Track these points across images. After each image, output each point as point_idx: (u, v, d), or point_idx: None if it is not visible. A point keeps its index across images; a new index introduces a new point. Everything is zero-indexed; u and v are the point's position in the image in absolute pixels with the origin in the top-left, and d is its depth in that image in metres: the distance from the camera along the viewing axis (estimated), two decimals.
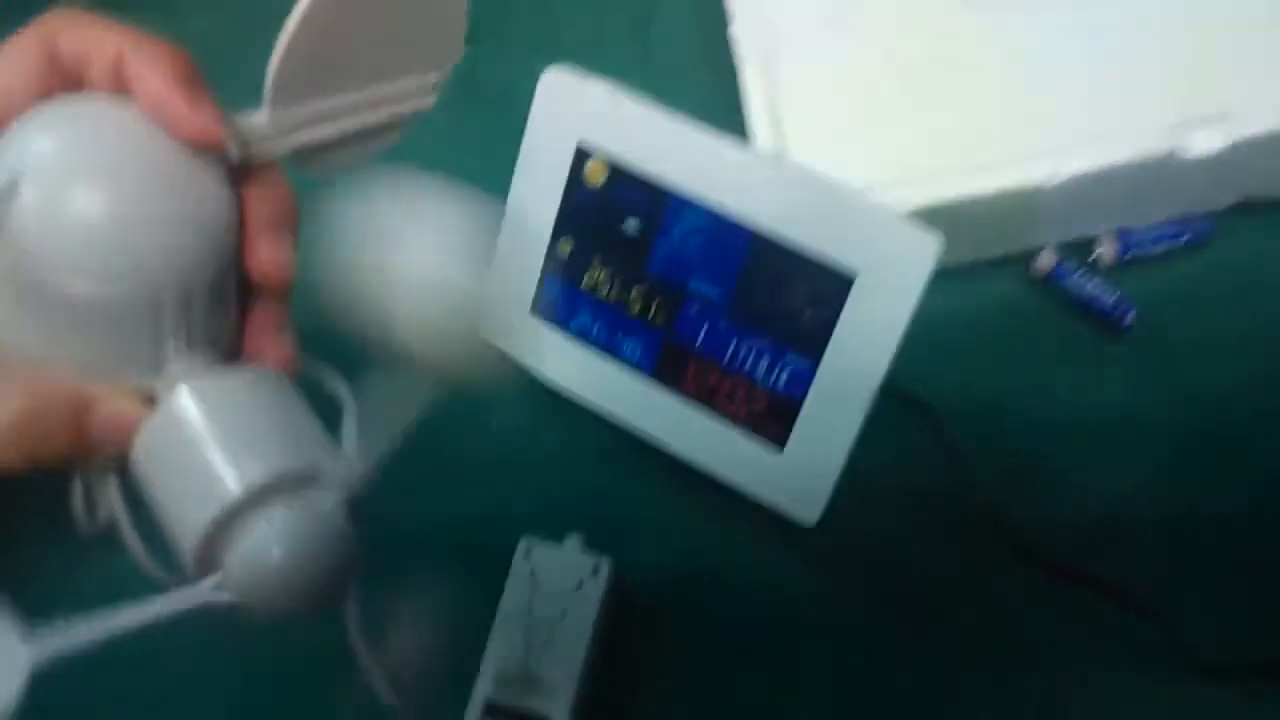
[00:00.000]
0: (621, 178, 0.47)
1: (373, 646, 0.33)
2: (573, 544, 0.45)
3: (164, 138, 0.31)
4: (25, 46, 0.31)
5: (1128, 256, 0.52)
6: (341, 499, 0.30)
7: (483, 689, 0.43)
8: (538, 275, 0.50)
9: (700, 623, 0.48)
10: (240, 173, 0.33)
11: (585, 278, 0.49)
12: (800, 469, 0.45)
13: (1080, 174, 0.49)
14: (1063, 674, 0.45)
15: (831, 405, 0.44)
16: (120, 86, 0.31)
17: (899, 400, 0.48)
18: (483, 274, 0.31)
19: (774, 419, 0.46)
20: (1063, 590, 0.46)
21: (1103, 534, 0.47)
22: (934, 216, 0.42)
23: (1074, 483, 0.48)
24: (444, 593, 0.37)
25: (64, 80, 0.32)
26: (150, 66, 0.31)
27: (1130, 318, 0.51)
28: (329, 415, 0.32)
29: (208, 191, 0.31)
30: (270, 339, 0.34)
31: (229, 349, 0.33)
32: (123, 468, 0.32)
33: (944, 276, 0.41)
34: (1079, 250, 0.53)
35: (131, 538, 0.31)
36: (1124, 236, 0.53)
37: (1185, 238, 0.52)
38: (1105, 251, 0.52)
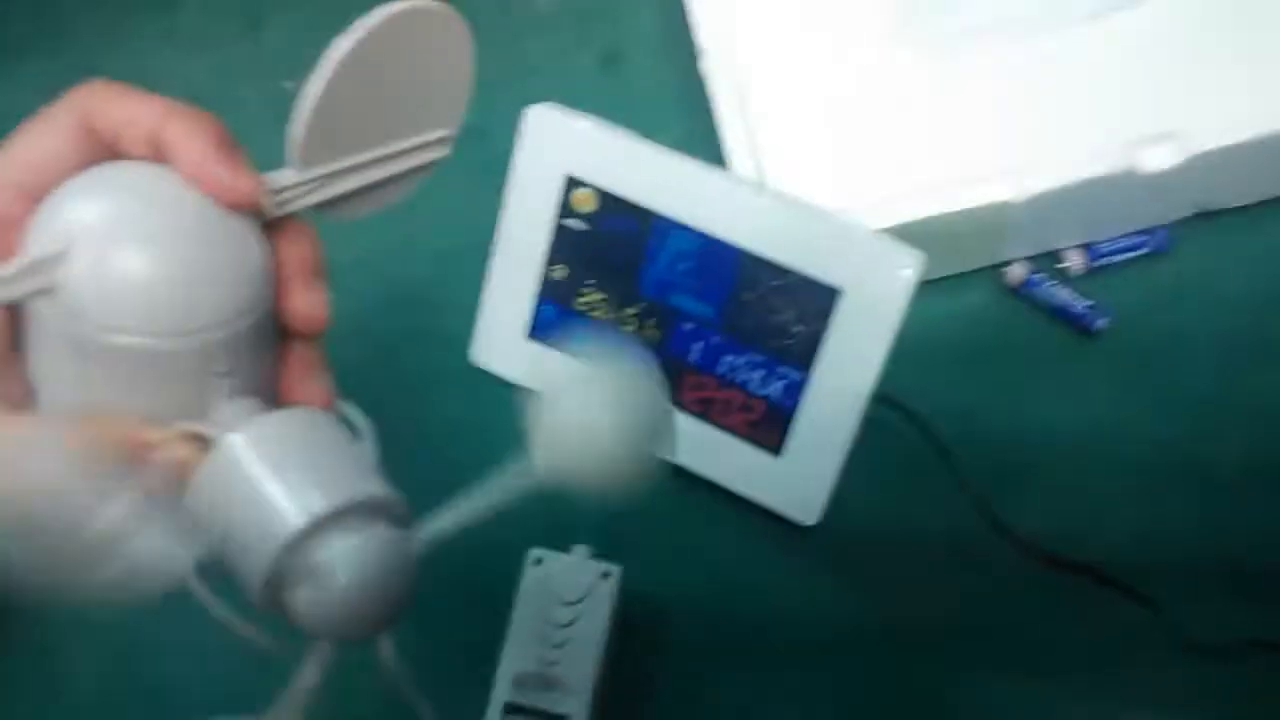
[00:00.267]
0: (610, 204, 0.49)
1: (396, 650, 0.34)
2: (580, 552, 0.46)
3: (203, 199, 0.32)
4: (61, 118, 0.33)
5: (1095, 265, 0.55)
6: (399, 527, 0.32)
7: (501, 691, 0.44)
8: (532, 299, 0.52)
9: (705, 622, 0.49)
10: (271, 226, 0.34)
11: (579, 300, 0.51)
12: (798, 473, 0.47)
13: (1045, 190, 0.52)
14: (1056, 659, 0.46)
15: (825, 413, 0.46)
16: (157, 154, 0.33)
17: (890, 405, 0.50)
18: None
19: (770, 427, 0.47)
20: (1055, 580, 0.47)
21: (1084, 527, 0.49)
22: (908, 234, 0.44)
23: (1054, 479, 0.50)
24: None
25: (101, 150, 0.33)
26: (189, 135, 0.32)
27: (1101, 323, 0.53)
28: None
29: (247, 246, 0.33)
30: (309, 380, 0.35)
31: (270, 392, 0.34)
32: None
33: (922, 288, 0.44)
34: (1048, 261, 0.56)
35: (192, 577, 0.32)
36: (1090, 248, 0.55)
37: (1146, 248, 0.55)
38: (1074, 262, 0.55)
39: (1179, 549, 0.48)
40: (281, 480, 0.30)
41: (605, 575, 0.46)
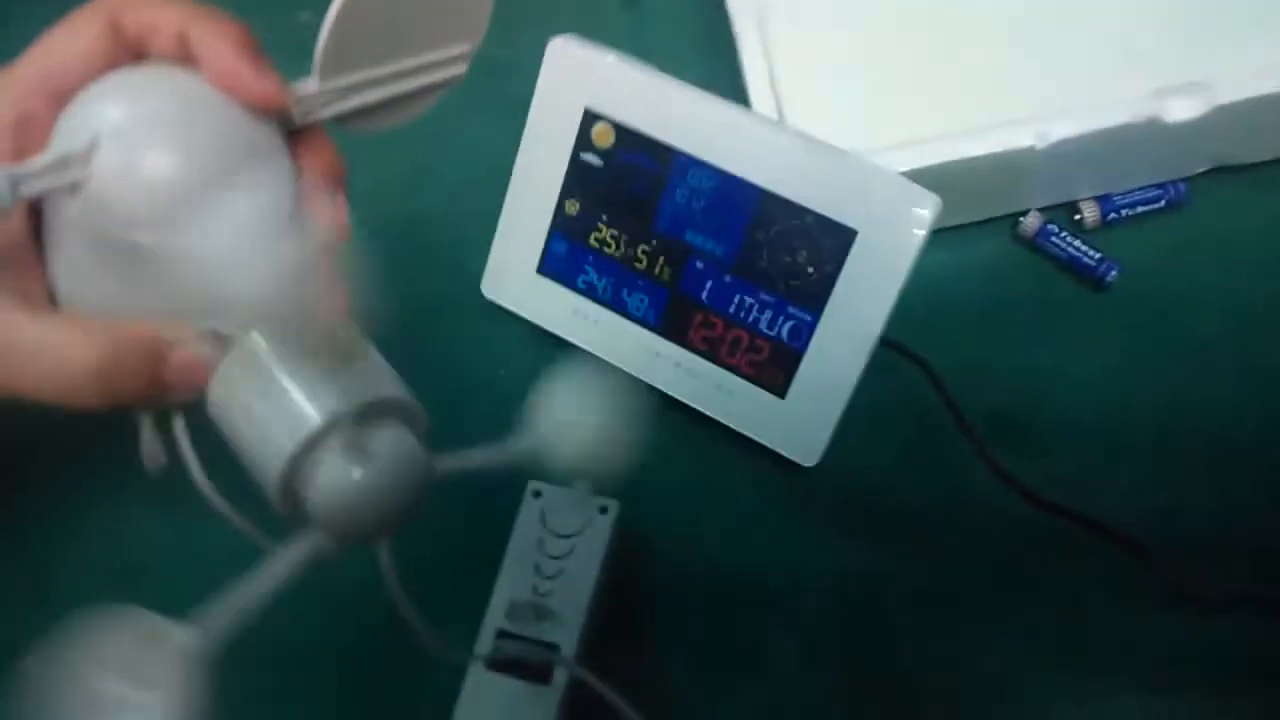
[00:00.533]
0: (629, 140, 0.49)
1: (398, 573, 0.35)
2: (580, 487, 0.47)
3: (229, 102, 0.33)
4: (89, 21, 0.33)
5: (1109, 218, 0.55)
6: (415, 427, 0.32)
7: (494, 619, 0.44)
8: (544, 235, 0.52)
9: (701, 559, 0.49)
10: (293, 136, 0.35)
11: (592, 236, 0.51)
12: (801, 415, 0.47)
13: (1066, 138, 0.51)
14: (1053, 607, 0.47)
15: (831, 356, 0.46)
16: (184, 57, 0.33)
17: (894, 350, 0.50)
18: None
19: (776, 369, 0.48)
20: (1056, 528, 0.47)
21: (1087, 479, 0.49)
22: (925, 179, 0.44)
23: (1059, 430, 0.51)
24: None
25: (128, 52, 0.33)
26: (216, 38, 0.33)
27: (1112, 276, 0.53)
28: None
29: (271, 149, 0.33)
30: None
31: None
32: (188, 408, 0.33)
33: (934, 237, 0.43)
34: (1063, 213, 0.55)
35: (199, 475, 0.33)
36: (1105, 200, 0.55)
37: (1163, 201, 0.55)
38: (1088, 214, 0.55)
39: (1181, 502, 0.49)
40: (299, 379, 0.30)
41: (603, 510, 0.46)
